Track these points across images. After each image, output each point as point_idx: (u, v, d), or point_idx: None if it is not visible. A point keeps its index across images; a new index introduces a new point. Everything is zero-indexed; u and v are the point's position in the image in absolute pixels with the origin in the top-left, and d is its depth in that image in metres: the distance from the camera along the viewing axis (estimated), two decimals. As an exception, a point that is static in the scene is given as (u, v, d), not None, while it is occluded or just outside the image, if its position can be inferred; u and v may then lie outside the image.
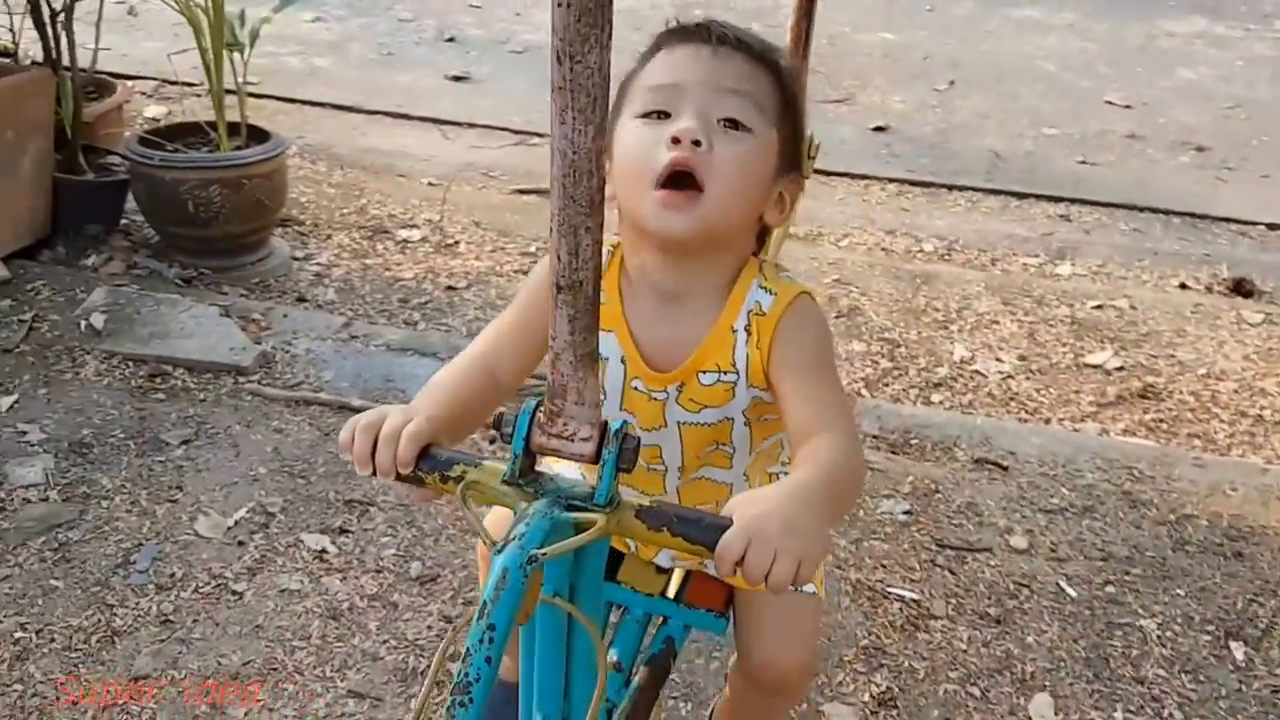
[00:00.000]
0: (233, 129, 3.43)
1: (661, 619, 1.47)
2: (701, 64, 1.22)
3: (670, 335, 1.27)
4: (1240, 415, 3.17)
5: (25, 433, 2.59)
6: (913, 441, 2.82)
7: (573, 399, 0.94)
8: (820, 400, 1.18)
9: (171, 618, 2.14)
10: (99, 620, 2.13)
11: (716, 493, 1.38)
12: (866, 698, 2.09)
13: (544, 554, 0.88)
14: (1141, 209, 4.50)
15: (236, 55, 3.38)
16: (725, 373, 1.26)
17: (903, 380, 3.24)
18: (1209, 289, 3.97)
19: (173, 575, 2.23)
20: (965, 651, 2.21)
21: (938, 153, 4.87)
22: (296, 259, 3.57)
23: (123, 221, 3.57)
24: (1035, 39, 6.22)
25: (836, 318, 3.54)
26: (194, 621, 2.14)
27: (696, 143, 1.16)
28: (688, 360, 1.26)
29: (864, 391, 3.14)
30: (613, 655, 1.43)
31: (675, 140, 1.16)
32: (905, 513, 2.56)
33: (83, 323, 2.97)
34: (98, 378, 2.80)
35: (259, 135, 3.44)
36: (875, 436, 2.83)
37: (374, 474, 1.02)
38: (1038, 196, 4.53)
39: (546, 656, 1.06)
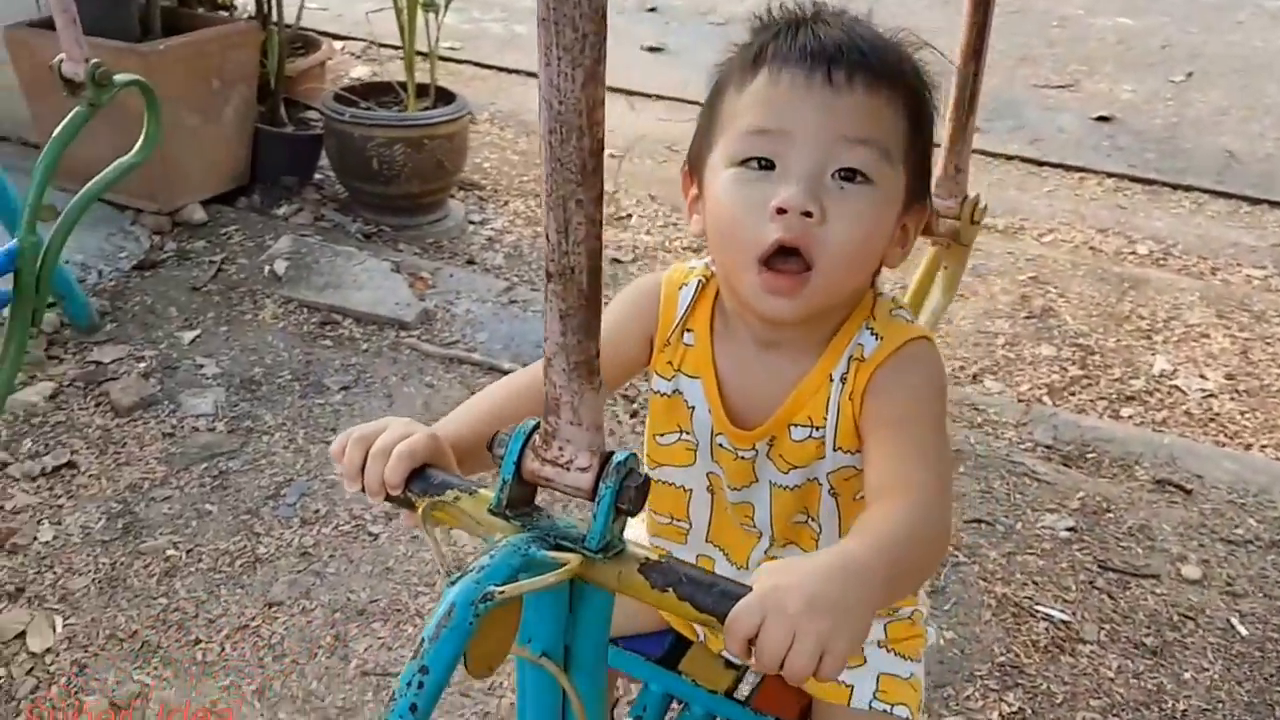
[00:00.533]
0: (423, 90, 3.58)
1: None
2: (815, 104, 1.03)
3: (763, 384, 1.15)
4: None
5: (202, 366, 2.79)
6: (1089, 455, 2.71)
7: (568, 417, 0.82)
8: (904, 457, 1.03)
9: (310, 551, 2.28)
10: (244, 546, 2.29)
11: None
12: (995, 716, 2.03)
13: (501, 593, 0.77)
14: (1396, 225, 4.15)
15: (432, 17, 3.53)
16: (817, 427, 1.13)
17: (1091, 390, 3.11)
18: None
19: (316, 512, 2.38)
20: (1112, 680, 2.11)
21: (1165, 148, 4.61)
22: (472, 222, 3.71)
23: (316, 176, 3.79)
24: (1295, 31, 5.82)
25: (1027, 318, 3.43)
26: (330, 557, 2.27)
27: (807, 213, 1.02)
28: (778, 411, 1.14)
29: (1045, 399, 3.03)
30: None
31: (780, 210, 1.02)
32: (1069, 529, 2.46)
33: (266, 268, 3.17)
34: (274, 321, 2.99)
35: (446, 97, 3.58)
36: (1048, 447, 2.73)
37: (363, 491, 0.94)
38: (1273, 204, 4.24)
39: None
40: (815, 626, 0.77)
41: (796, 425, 1.13)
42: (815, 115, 1.03)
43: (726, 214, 1.06)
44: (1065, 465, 2.67)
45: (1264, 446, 2.90)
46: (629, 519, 0.85)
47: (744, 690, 1.32)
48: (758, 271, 1.04)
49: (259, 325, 2.97)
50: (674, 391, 1.19)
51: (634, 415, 2.70)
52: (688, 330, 1.18)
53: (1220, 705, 2.08)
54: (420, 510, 0.88)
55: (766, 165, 1.04)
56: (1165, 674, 2.13)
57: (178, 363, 2.81)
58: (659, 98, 4.85)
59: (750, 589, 0.80)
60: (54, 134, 2.09)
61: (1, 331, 2.33)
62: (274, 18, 3.61)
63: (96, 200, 2.24)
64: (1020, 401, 2.95)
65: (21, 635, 2.08)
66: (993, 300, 3.52)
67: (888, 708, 1.26)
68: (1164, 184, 4.36)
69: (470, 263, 3.44)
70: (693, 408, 1.18)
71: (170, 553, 2.27)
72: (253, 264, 3.21)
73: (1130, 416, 2.99)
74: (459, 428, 1.05)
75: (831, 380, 1.12)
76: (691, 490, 1.24)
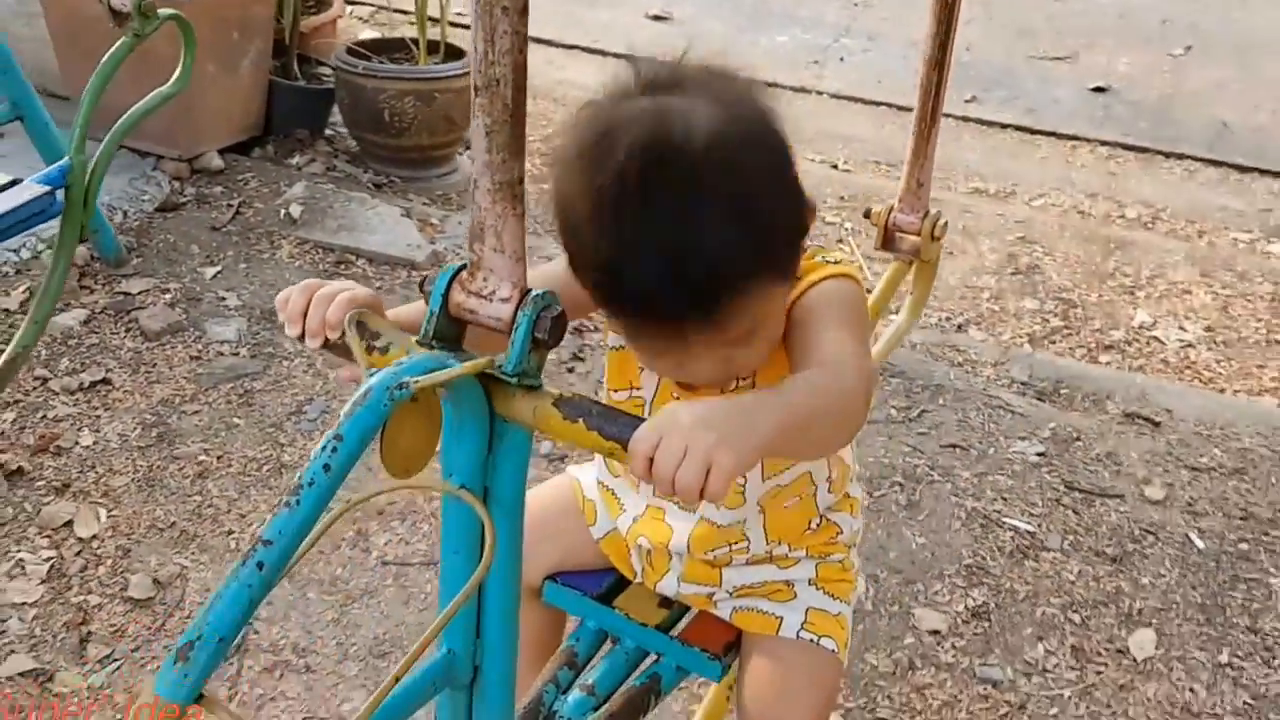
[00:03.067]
0: (433, 48, 3.87)
1: (655, 657, 1.43)
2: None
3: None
4: None
5: (224, 298, 3.07)
6: (1063, 391, 2.99)
7: (491, 243, 0.91)
8: (817, 344, 1.12)
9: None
10: (270, 454, 2.57)
11: (728, 535, 1.36)
12: (960, 608, 2.32)
13: (415, 382, 0.88)
14: (1385, 193, 4.44)
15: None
16: (740, 376, 1.22)
17: (1071, 339, 3.39)
18: None
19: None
20: (1073, 583, 2.40)
21: (1159, 118, 4.90)
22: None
23: (327, 131, 4.07)
24: (1296, 9, 6.09)
25: (1013, 274, 3.71)
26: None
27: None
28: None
29: (1027, 346, 3.31)
30: (590, 676, 1.41)
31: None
32: (1039, 454, 2.74)
33: (282, 211, 3.45)
34: (290, 259, 3.27)
35: (455, 54, 3.86)
36: (1024, 384, 3.02)
37: (302, 338, 1.02)
38: (1263, 171, 4.52)
39: (451, 565, 1.06)
40: (704, 441, 0.88)
41: (737, 379, 1.23)
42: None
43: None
44: (1039, 400, 2.95)
45: (1237, 392, 3.19)
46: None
47: (674, 628, 1.43)
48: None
49: (276, 263, 3.25)
50: (622, 348, 1.30)
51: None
52: None
53: (1174, 606, 2.36)
54: (346, 321, 0.99)
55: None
56: (1124, 579, 2.42)
57: (201, 295, 3.09)
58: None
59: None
60: (101, 61, 2.37)
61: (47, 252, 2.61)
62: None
63: (132, 128, 2.50)
64: (1000, 345, 3.23)
65: (69, 524, 2.36)
66: (980, 258, 3.80)
67: (814, 638, 1.36)
68: (1156, 152, 4.65)
69: (478, 212, 3.72)
70: (640, 369, 1.30)
71: (202, 458, 2.56)
72: (269, 208, 3.49)
73: (1108, 363, 3.27)
74: (409, 310, 1.13)
75: None
76: None
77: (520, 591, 1.12)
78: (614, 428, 0.93)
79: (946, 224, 1.90)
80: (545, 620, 1.53)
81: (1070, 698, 2.15)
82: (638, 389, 1.31)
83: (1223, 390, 3.18)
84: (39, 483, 2.47)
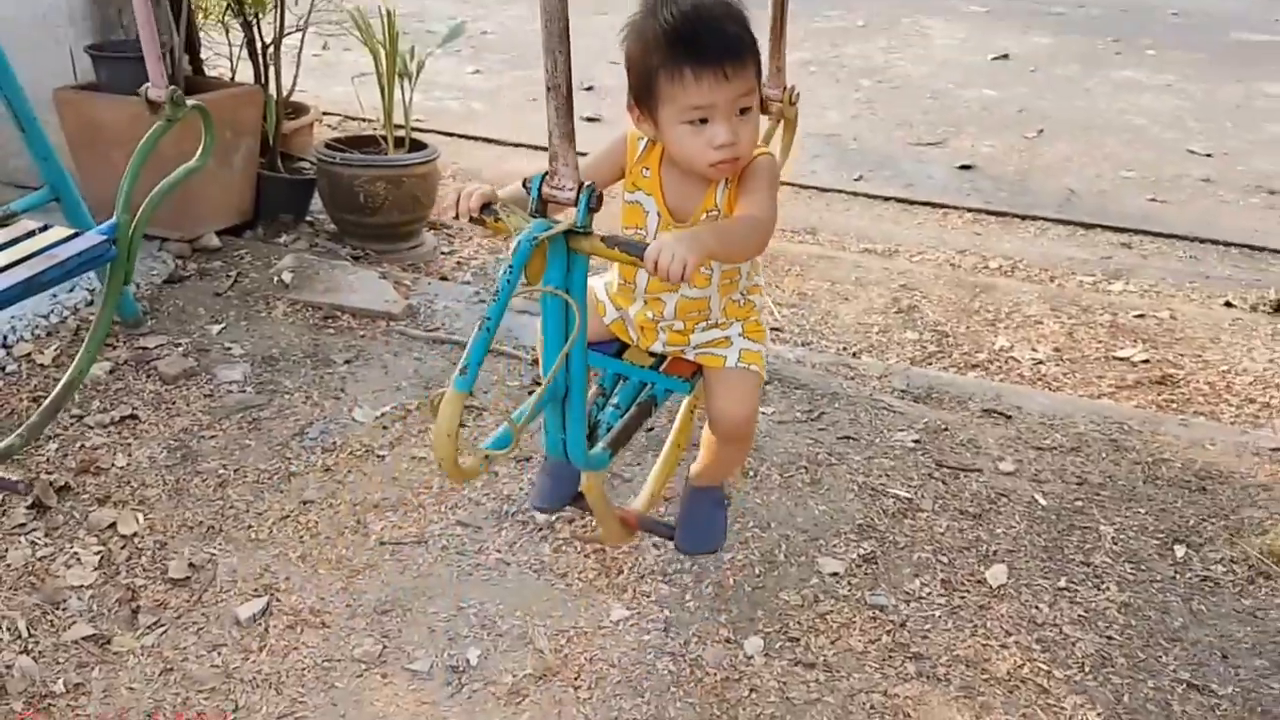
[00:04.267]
0: (399, 142, 4.27)
1: (650, 385, 2.13)
2: (723, 90, 1.77)
3: (689, 196, 1.91)
4: (1249, 401, 3.62)
5: (230, 348, 3.40)
6: (934, 395, 3.40)
7: (561, 162, 1.57)
8: (751, 202, 1.83)
9: (332, 468, 2.89)
10: (279, 467, 2.89)
11: (699, 305, 2.03)
12: (854, 556, 2.68)
13: (542, 236, 1.57)
14: (1203, 240, 4.96)
15: (406, 82, 4.23)
16: (710, 211, 1.90)
17: (944, 360, 3.81)
18: (1253, 308, 4.39)
19: (334, 443, 2.99)
20: (942, 534, 2.78)
21: (1016, 189, 5.42)
22: (443, 252, 4.36)
23: (308, 216, 4.43)
24: (1130, 97, 6.71)
25: (896, 313, 4.14)
26: (348, 472, 2.88)
27: (733, 143, 1.81)
28: (696, 208, 1.90)
29: (908, 365, 3.72)
30: (615, 399, 2.13)
31: (720, 146, 1.80)
32: (914, 441, 3.14)
33: (275, 278, 3.80)
34: (284, 316, 3.62)
35: (418, 146, 4.27)
36: (903, 391, 3.42)
37: (456, 216, 1.68)
38: (1104, 227, 5.03)
39: (550, 333, 1.71)
40: (679, 250, 1.56)
41: (706, 213, 1.90)
42: (724, 94, 1.79)
43: (689, 148, 1.83)
44: (915, 401, 3.35)
45: (1081, 395, 3.62)
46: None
47: (659, 368, 2.11)
48: (710, 165, 1.83)
49: (273, 320, 3.59)
50: (634, 201, 1.95)
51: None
52: (645, 167, 1.93)
53: (1023, 548, 2.74)
54: (498, 205, 1.65)
55: (702, 120, 1.81)
56: (982, 530, 2.80)
57: (209, 347, 3.41)
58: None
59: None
60: (141, 141, 2.72)
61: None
62: (271, 88, 4.30)
63: (166, 195, 2.84)
64: (884, 364, 3.64)
65: (113, 525, 2.66)
66: (870, 303, 4.23)
67: (746, 365, 2.06)
68: (1014, 215, 5.15)
69: (443, 279, 4.09)
70: (647, 212, 1.94)
71: (221, 472, 2.87)
72: (263, 276, 3.83)
73: (973, 376, 3.69)
74: (507, 191, 1.76)
75: (724, 184, 1.89)
76: None
77: (586, 345, 1.76)
78: (634, 250, 1.60)
79: (799, 93, 2.40)
80: None
81: (940, 616, 2.51)
82: (640, 229, 1.96)
83: (1063, 393, 3.60)
84: (84, 496, 2.76)
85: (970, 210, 5.21)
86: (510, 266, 1.54)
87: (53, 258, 2.49)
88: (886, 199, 5.33)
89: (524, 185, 1.61)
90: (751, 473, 2.96)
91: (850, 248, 4.79)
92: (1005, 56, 7.39)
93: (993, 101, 6.58)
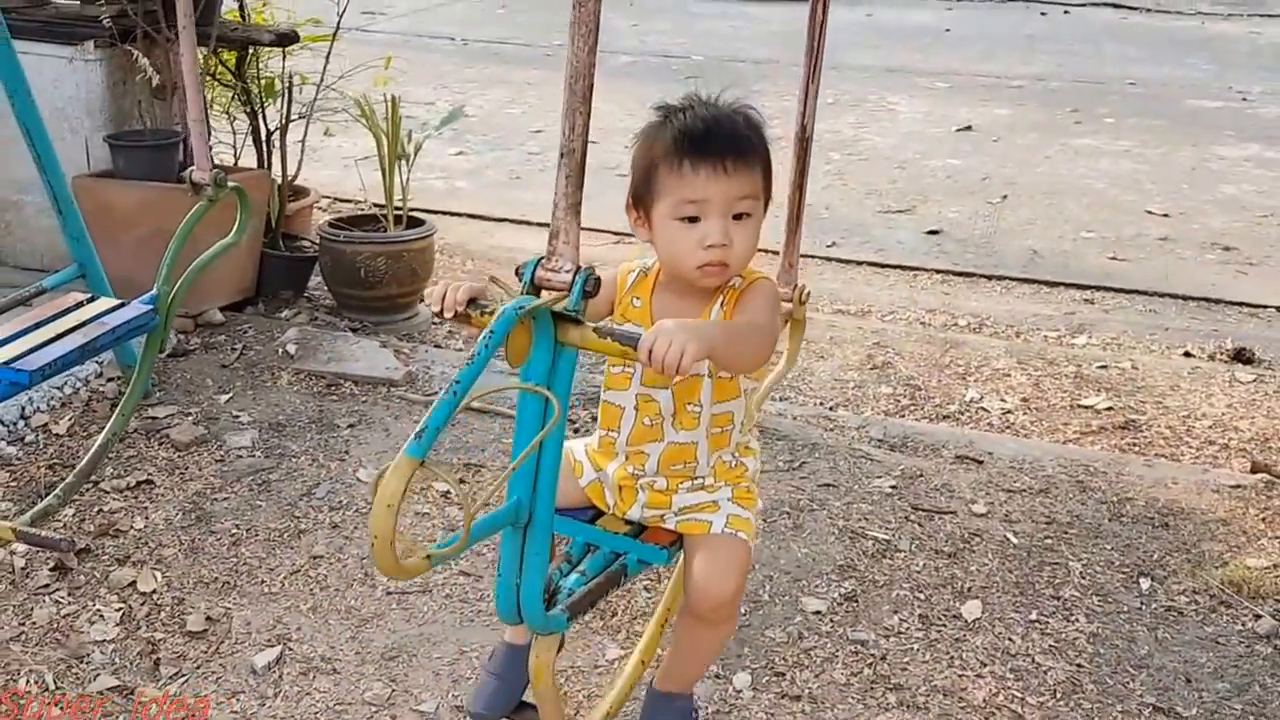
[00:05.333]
0: (397, 219, 4.43)
1: (622, 555, 1.92)
2: (720, 186, 1.72)
3: (681, 315, 1.74)
4: (1209, 443, 3.76)
5: (238, 416, 3.51)
6: (909, 444, 3.53)
7: (562, 239, 1.46)
8: (753, 311, 1.77)
9: (339, 524, 2.99)
10: (290, 525, 2.99)
11: (686, 455, 1.88)
12: (835, 594, 2.79)
13: (530, 307, 1.46)
14: (1161, 295, 5.13)
15: (403, 163, 4.40)
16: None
17: (917, 412, 3.94)
18: (1211, 357, 4.54)
19: (341, 501, 3.09)
20: (919, 573, 2.89)
21: (982, 251, 5.60)
22: (435, 322, 4.50)
23: (307, 293, 4.57)
24: (1090, 162, 6.93)
25: (871, 369, 4.27)
26: (354, 528, 2.98)
27: (724, 245, 1.73)
28: None
29: (882, 417, 3.85)
30: (582, 566, 1.89)
31: (710, 246, 1.73)
32: (891, 487, 3.26)
33: (280, 350, 3.93)
34: (290, 385, 3.74)
35: (415, 223, 4.43)
36: (879, 440, 3.55)
37: (441, 313, 1.57)
38: (1067, 285, 5.21)
39: (523, 435, 1.54)
40: (679, 337, 1.46)
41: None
42: (720, 190, 1.74)
43: (679, 247, 1.77)
44: (891, 450, 3.48)
45: (1047, 441, 3.75)
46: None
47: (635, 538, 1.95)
48: (698, 267, 1.77)
49: (278, 389, 3.71)
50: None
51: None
52: (635, 297, 1.88)
53: (996, 584, 2.85)
54: (473, 316, 1.58)
55: (695, 219, 1.76)
56: (957, 568, 2.91)
57: (218, 415, 3.53)
58: (583, 229, 5.75)
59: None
60: (185, 219, 2.88)
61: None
62: (274, 171, 4.47)
63: (205, 267, 2.98)
64: (861, 416, 3.77)
65: (133, 584, 2.75)
66: (845, 360, 4.37)
67: (734, 532, 1.89)
68: (981, 275, 5.33)
69: (438, 346, 4.22)
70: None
71: (234, 531, 2.97)
72: (267, 349, 3.96)
73: (946, 427, 3.82)
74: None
75: (720, 308, 1.82)
76: (624, 407, 1.90)
77: (560, 464, 1.59)
78: (627, 338, 1.51)
79: (810, 293, 2.33)
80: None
81: (919, 649, 2.62)
82: (629, 365, 1.86)
83: (1031, 439, 3.74)
84: (103, 557, 2.86)
85: (939, 271, 5.38)
86: (491, 332, 1.43)
87: (103, 325, 2.64)
88: (859, 263, 5.51)
89: (516, 273, 1.54)
90: (737, 520, 3.07)
91: (824, 309, 4.94)
92: (968, 128, 7.63)
93: (957, 170, 6.79)
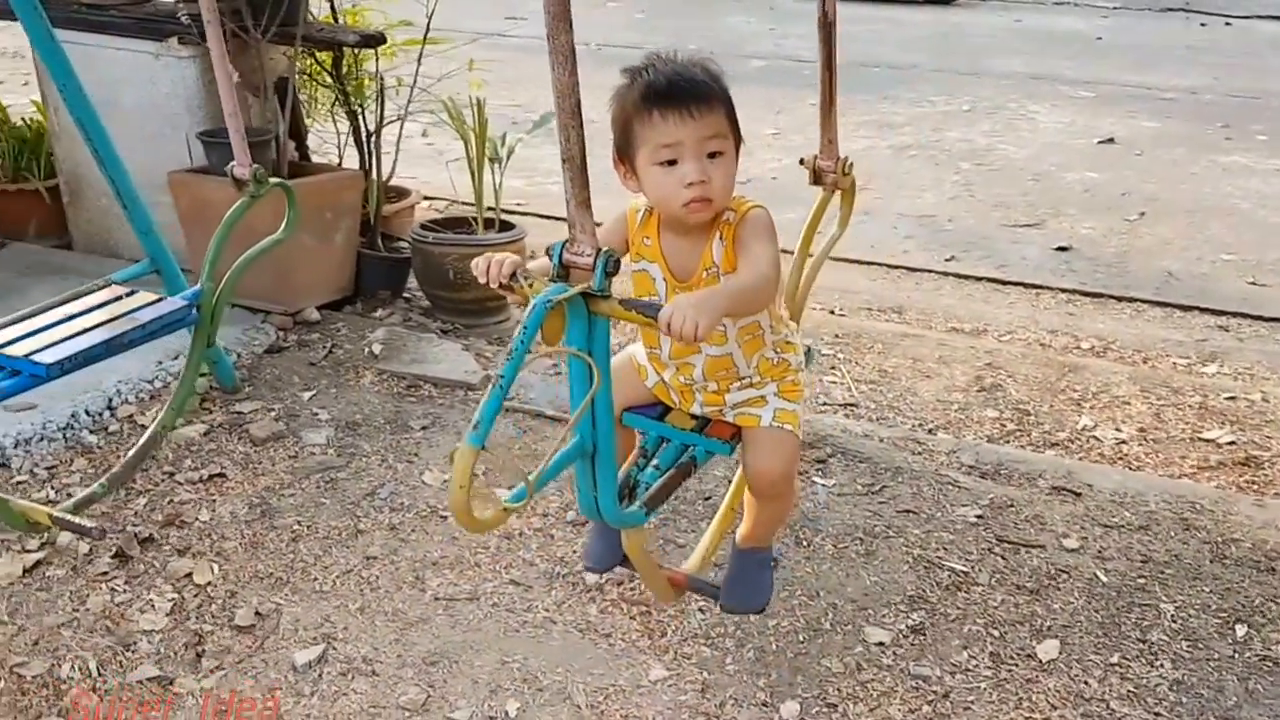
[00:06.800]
0: (489, 223, 4.45)
1: (692, 447, 2.20)
2: (689, 128, 1.90)
3: (688, 256, 2.02)
4: (1341, 487, 3.48)
5: (317, 414, 3.57)
6: (1002, 472, 3.36)
7: (578, 230, 1.67)
8: (749, 257, 1.93)
9: (397, 527, 3.00)
10: (349, 524, 3.01)
11: (725, 364, 2.11)
12: (902, 626, 2.66)
13: (557, 299, 1.64)
14: (1306, 324, 4.79)
15: (496, 166, 4.43)
16: (709, 268, 2.00)
17: (1022, 439, 3.75)
18: (1354, 394, 4.22)
19: (402, 503, 3.10)
20: (996, 608, 2.73)
21: (1113, 270, 5.33)
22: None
23: (404, 293, 4.63)
24: (1238, 181, 6.54)
25: (979, 391, 4.09)
26: (411, 531, 2.98)
27: (702, 181, 1.92)
28: (696, 266, 2.00)
29: (981, 440, 3.68)
30: (656, 460, 2.21)
31: (690, 184, 1.91)
32: (977, 516, 3.10)
33: (366, 349, 3.98)
34: (371, 385, 3.78)
35: (507, 226, 4.44)
36: (970, 466, 3.39)
37: (487, 282, 1.76)
38: (1202, 309, 4.91)
39: (576, 393, 1.79)
40: (691, 311, 1.65)
41: (706, 270, 2.00)
42: (690, 132, 1.92)
43: (663, 190, 1.95)
44: (981, 478, 3.32)
45: (1161, 475, 3.52)
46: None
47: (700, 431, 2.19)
48: (684, 205, 1.93)
49: (360, 388, 3.76)
50: (642, 269, 2.08)
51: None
52: (646, 236, 2.05)
53: (1079, 624, 2.68)
54: (522, 275, 1.75)
55: (673, 162, 1.93)
56: (1039, 605, 2.75)
57: (299, 412, 3.59)
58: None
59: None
60: (225, 217, 2.94)
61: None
62: (373, 172, 4.55)
63: (249, 265, 3.04)
64: (955, 439, 3.61)
65: (189, 574, 2.81)
66: (952, 381, 4.20)
67: (780, 425, 2.12)
68: (1110, 296, 5.06)
69: (524, 350, 4.22)
70: (654, 278, 2.06)
71: (295, 527, 3.00)
72: (355, 348, 4.02)
73: (1051, 455, 3.63)
74: (536, 265, 1.87)
75: (720, 241, 1.99)
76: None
77: (614, 404, 1.86)
78: (649, 310, 1.71)
79: (853, 163, 2.42)
80: (625, 437, 2.23)
81: (985, 689, 2.47)
82: (653, 294, 2.06)
83: (1141, 472, 3.51)
84: (165, 547, 2.93)
85: (1064, 291, 5.13)
86: (525, 327, 1.62)
87: (135, 320, 2.69)
88: (978, 279, 5.30)
89: (546, 253, 1.71)
90: (805, 542, 2.96)
91: (937, 326, 4.77)
92: (1111, 140, 7.29)
93: (1095, 184, 6.49)
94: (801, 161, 2.44)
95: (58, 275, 4.30)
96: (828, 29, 2.33)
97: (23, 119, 5.02)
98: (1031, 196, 6.32)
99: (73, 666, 2.48)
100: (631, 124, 1.94)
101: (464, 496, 1.61)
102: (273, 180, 2.95)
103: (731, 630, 2.64)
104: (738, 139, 1.99)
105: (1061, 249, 5.58)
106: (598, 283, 1.67)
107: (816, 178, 2.44)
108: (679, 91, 1.90)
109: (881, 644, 2.60)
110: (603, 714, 2.40)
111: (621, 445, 2.17)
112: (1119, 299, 5.06)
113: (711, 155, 1.92)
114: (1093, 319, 4.89)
